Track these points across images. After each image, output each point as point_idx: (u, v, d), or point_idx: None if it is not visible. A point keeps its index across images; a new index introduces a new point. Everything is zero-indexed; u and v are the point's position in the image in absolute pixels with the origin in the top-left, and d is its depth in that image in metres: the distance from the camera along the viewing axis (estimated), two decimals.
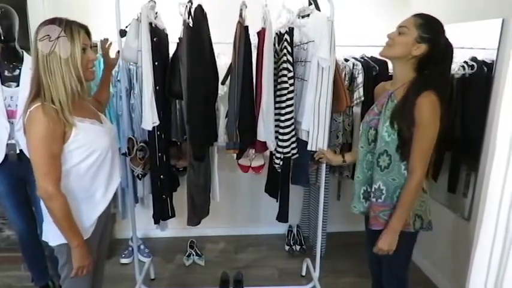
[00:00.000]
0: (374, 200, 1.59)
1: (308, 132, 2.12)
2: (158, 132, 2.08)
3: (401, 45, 1.48)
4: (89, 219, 1.48)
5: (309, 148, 2.13)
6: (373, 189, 1.59)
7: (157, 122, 1.98)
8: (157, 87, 1.98)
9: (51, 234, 1.45)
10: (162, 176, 2.16)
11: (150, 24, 1.92)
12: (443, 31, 1.49)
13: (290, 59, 2.02)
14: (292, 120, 2.10)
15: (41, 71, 1.33)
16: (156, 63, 1.95)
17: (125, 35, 2.01)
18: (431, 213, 1.62)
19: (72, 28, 1.36)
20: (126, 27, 2.01)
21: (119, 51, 2.00)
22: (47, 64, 1.32)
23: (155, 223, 2.25)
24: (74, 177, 1.41)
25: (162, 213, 2.22)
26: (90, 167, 1.43)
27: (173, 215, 2.27)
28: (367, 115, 1.65)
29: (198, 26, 1.94)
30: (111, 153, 1.53)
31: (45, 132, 1.29)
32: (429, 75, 1.48)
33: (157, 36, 1.98)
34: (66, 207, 1.36)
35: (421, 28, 1.46)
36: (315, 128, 2.10)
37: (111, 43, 1.98)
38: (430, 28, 1.46)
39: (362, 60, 2.64)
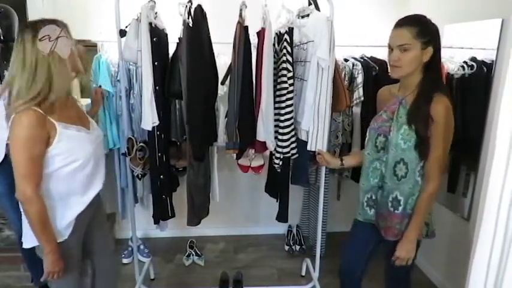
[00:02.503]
0: (392, 209, 1.56)
1: (308, 132, 2.13)
2: (158, 132, 2.08)
3: (412, 61, 1.45)
4: (64, 221, 1.46)
5: (308, 148, 2.13)
6: (390, 199, 1.56)
7: (157, 122, 1.98)
8: (157, 87, 1.98)
9: (28, 237, 1.44)
10: (161, 176, 2.16)
11: (150, 24, 1.92)
12: (432, 23, 1.47)
13: (290, 59, 2.02)
14: (292, 120, 2.10)
15: (39, 72, 1.31)
16: (156, 63, 1.95)
17: (125, 35, 2.01)
18: (434, 223, 1.62)
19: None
20: (126, 27, 2.01)
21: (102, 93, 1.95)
22: (44, 65, 1.30)
23: (155, 223, 2.25)
24: (53, 180, 1.40)
25: (162, 213, 2.22)
26: (69, 173, 1.42)
27: (173, 215, 2.27)
28: (374, 121, 1.62)
29: (197, 26, 1.94)
30: (94, 161, 1.51)
31: (27, 135, 1.29)
32: (434, 74, 1.48)
33: (157, 36, 1.98)
34: (43, 212, 1.35)
35: (420, 35, 1.43)
36: (315, 127, 2.10)
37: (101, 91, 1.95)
38: (426, 30, 1.44)
39: (362, 60, 2.64)
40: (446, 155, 1.48)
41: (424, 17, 1.49)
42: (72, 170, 1.42)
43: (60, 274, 1.45)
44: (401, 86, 1.57)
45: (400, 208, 1.54)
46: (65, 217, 1.46)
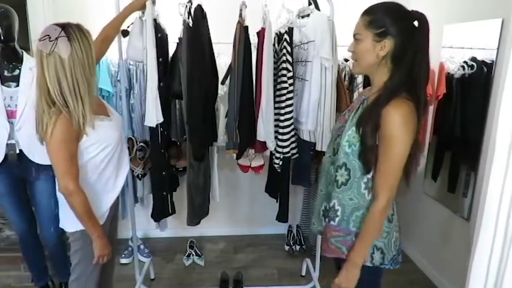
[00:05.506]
0: (327, 220, 1.37)
1: (310, 132, 2.12)
2: (161, 129, 2.09)
3: (363, 54, 1.26)
4: (105, 206, 1.57)
5: (317, 149, 2.12)
6: (327, 208, 1.37)
7: (162, 120, 1.97)
8: (161, 84, 1.98)
9: (68, 221, 1.52)
10: (163, 173, 2.16)
11: (155, 20, 1.93)
12: (397, 12, 1.24)
13: (290, 58, 2.02)
14: (292, 120, 2.10)
15: (70, 80, 1.34)
16: (160, 59, 1.95)
17: (127, 35, 2.01)
18: (397, 248, 1.36)
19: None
20: (128, 27, 2.01)
21: None
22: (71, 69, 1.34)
23: (155, 220, 2.25)
24: (90, 169, 1.49)
25: (162, 210, 2.22)
26: (103, 160, 1.51)
27: (173, 212, 2.27)
28: (338, 121, 1.44)
29: (197, 26, 1.94)
30: (121, 145, 1.61)
31: (65, 136, 1.37)
32: (402, 71, 1.23)
33: (161, 33, 1.99)
34: (86, 201, 1.44)
35: (371, 26, 1.22)
36: (320, 127, 2.09)
37: None
38: (380, 20, 1.22)
39: None
40: (399, 170, 1.22)
41: (387, 7, 1.25)
42: (105, 156, 1.51)
43: (110, 256, 1.57)
44: (371, 86, 1.37)
45: (337, 220, 1.32)
46: (104, 202, 1.57)
